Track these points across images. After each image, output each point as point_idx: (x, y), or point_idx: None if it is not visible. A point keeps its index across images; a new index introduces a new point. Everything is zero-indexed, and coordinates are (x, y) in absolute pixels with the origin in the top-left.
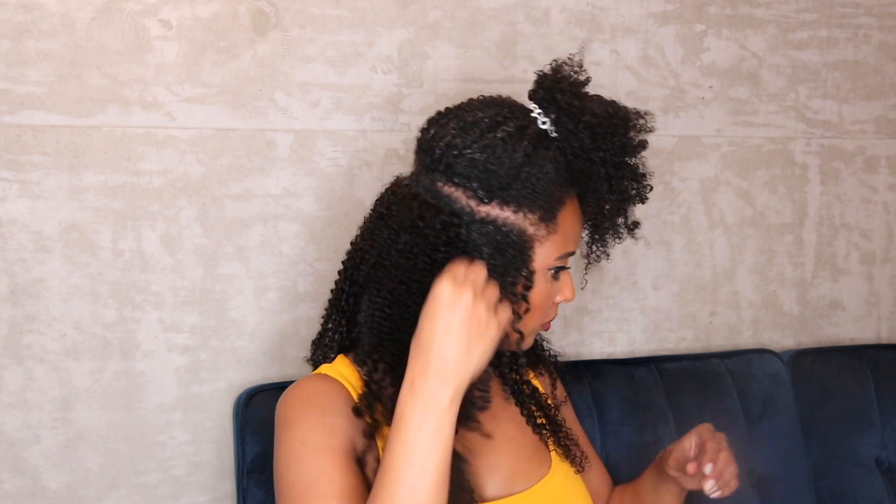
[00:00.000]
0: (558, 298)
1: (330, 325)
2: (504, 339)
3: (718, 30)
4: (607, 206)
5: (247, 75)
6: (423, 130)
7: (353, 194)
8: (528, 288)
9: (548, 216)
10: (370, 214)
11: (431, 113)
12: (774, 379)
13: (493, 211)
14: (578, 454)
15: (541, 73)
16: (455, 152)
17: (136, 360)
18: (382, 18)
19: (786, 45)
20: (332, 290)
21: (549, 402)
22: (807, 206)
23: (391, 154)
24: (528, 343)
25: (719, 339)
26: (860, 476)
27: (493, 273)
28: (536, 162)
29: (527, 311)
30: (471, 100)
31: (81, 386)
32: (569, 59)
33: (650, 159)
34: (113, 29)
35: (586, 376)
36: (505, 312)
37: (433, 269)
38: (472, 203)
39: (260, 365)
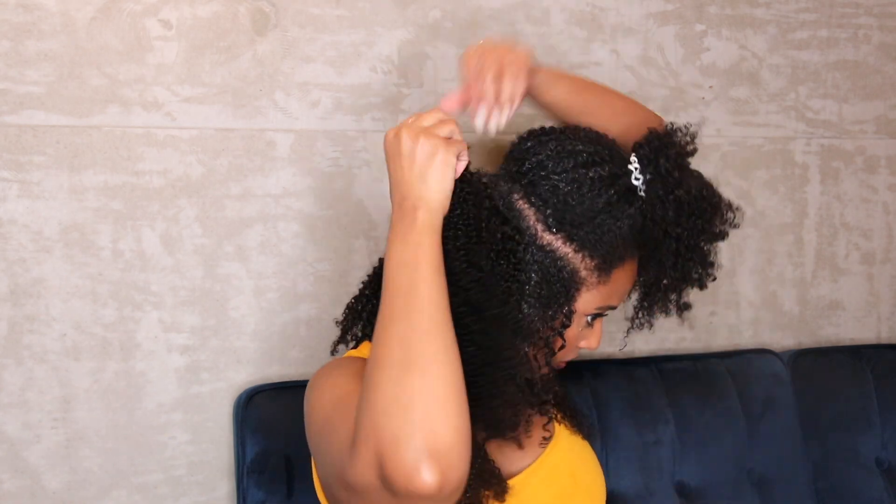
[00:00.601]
0: (583, 344)
1: (367, 292)
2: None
3: (718, 30)
4: (665, 281)
5: (247, 75)
6: (521, 139)
7: (353, 194)
8: (566, 326)
9: (605, 267)
10: None
11: None
12: (774, 379)
13: (556, 242)
14: (584, 422)
15: (653, 131)
16: (543, 173)
17: (136, 360)
18: (382, 18)
19: (786, 45)
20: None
21: (550, 374)
22: (807, 206)
23: None
24: (544, 374)
25: (719, 339)
26: (860, 476)
27: (536, 301)
28: (615, 214)
29: (561, 347)
30: (577, 128)
31: (81, 386)
32: (685, 126)
33: None
34: (113, 29)
35: (586, 376)
36: (455, 141)
37: (472, 272)
38: (539, 227)
39: (260, 365)
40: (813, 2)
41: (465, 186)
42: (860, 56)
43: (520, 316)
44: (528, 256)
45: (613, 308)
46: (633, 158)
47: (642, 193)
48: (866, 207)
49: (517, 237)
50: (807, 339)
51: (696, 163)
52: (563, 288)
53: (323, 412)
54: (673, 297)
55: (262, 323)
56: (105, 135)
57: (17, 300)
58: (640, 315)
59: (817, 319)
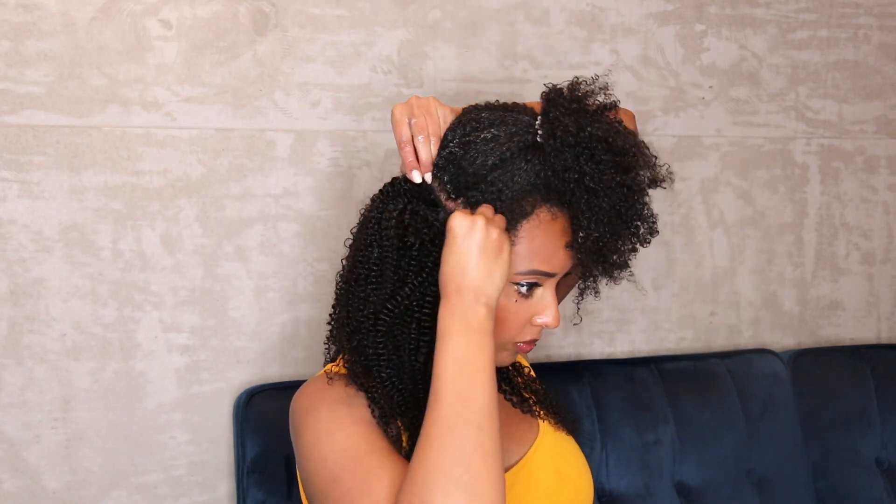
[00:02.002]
0: (537, 320)
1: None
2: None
3: (718, 30)
4: (594, 235)
5: (247, 75)
6: None
7: (353, 194)
8: None
9: (508, 224)
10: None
11: None
12: (774, 379)
13: (458, 209)
14: (567, 417)
15: (553, 86)
16: (444, 143)
17: (136, 360)
18: (382, 18)
19: (786, 45)
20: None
21: (532, 373)
22: (807, 206)
23: (391, 154)
24: (501, 359)
25: (719, 339)
26: (860, 476)
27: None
28: (508, 169)
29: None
30: (501, 102)
31: (81, 386)
32: (593, 77)
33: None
34: (113, 29)
35: (586, 376)
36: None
37: (401, 251)
38: (442, 196)
39: (260, 365)
40: (813, 2)
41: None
42: (860, 56)
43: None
44: (438, 225)
45: (546, 274)
46: (537, 121)
47: (547, 147)
48: (866, 207)
49: (429, 209)
50: (807, 339)
51: (696, 162)
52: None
53: (323, 467)
54: (612, 256)
55: (262, 323)
56: (105, 135)
57: (17, 300)
58: (585, 280)
59: (817, 319)
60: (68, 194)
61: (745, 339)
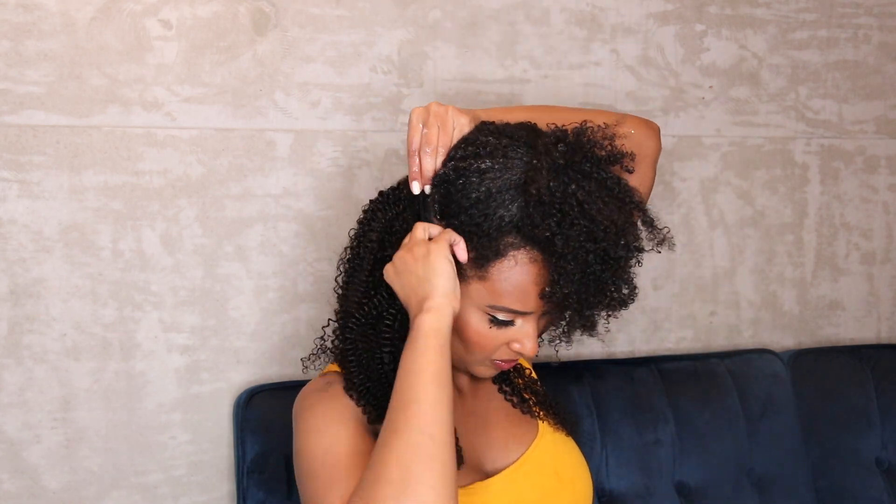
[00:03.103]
0: (515, 346)
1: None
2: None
3: (718, 30)
4: (548, 290)
5: (247, 75)
6: None
7: (353, 194)
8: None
9: (480, 259)
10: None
11: None
12: (774, 379)
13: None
14: (567, 418)
15: (559, 127)
16: (446, 160)
17: (136, 360)
18: (382, 18)
19: (786, 45)
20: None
21: (533, 374)
22: (807, 206)
23: (391, 154)
24: (479, 371)
25: (719, 339)
26: (860, 476)
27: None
28: (492, 205)
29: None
30: (512, 125)
31: (81, 386)
32: (602, 125)
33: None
34: (113, 29)
35: (586, 376)
36: (441, 238)
37: (377, 259)
38: (431, 216)
39: (260, 365)
40: (813, 2)
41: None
42: (860, 56)
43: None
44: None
45: (519, 313)
46: (535, 160)
47: (531, 189)
48: (866, 207)
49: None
50: (807, 339)
51: (696, 162)
52: None
53: (306, 462)
54: (580, 314)
55: (262, 323)
56: (105, 135)
57: (17, 300)
58: (559, 328)
59: (817, 319)
60: (68, 194)
61: (745, 339)
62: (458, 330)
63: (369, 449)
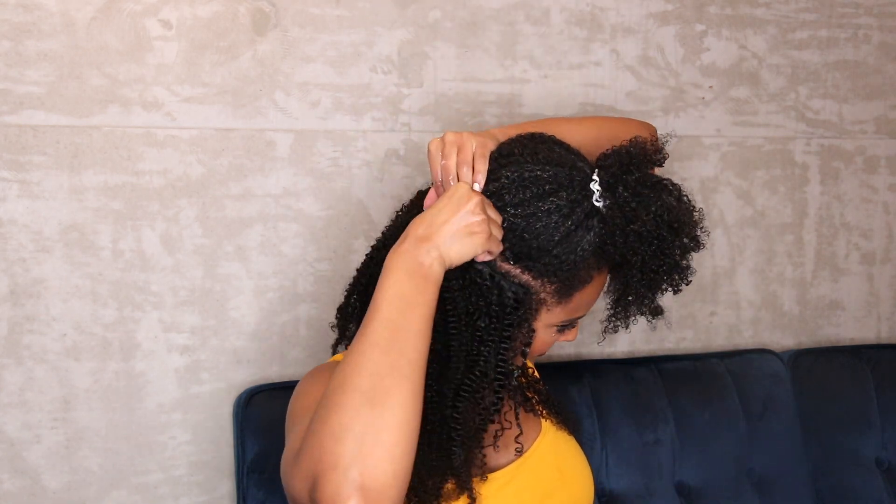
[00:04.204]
0: (561, 338)
1: (354, 297)
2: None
3: (718, 30)
4: (633, 293)
5: (247, 75)
6: (493, 155)
7: (353, 194)
8: (527, 344)
9: (565, 290)
10: (407, 204)
11: (431, 113)
12: (774, 379)
13: (514, 271)
14: (569, 417)
15: (617, 150)
16: (500, 204)
17: (136, 360)
18: (382, 18)
19: (786, 45)
20: (357, 269)
21: (536, 374)
22: (807, 206)
23: (391, 154)
24: (519, 362)
25: (719, 339)
26: (860, 476)
27: (495, 319)
28: (573, 243)
29: (525, 355)
30: (539, 143)
31: (81, 386)
32: (652, 140)
33: None
34: (113, 29)
35: (586, 376)
36: (496, 244)
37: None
38: (498, 257)
39: (260, 365)
40: (813, 2)
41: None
42: (860, 56)
43: (476, 344)
44: (489, 282)
45: (581, 317)
46: (595, 177)
47: (605, 213)
48: (866, 207)
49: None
50: (807, 339)
51: (696, 162)
52: (524, 310)
53: (290, 412)
54: (645, 302)
55: (262, 323)
56: (105, 135)
57: (17, 300)
58: (614, 319)
59: (817, 319)
60: (68, 194)
61: (745, 339)
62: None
63: None
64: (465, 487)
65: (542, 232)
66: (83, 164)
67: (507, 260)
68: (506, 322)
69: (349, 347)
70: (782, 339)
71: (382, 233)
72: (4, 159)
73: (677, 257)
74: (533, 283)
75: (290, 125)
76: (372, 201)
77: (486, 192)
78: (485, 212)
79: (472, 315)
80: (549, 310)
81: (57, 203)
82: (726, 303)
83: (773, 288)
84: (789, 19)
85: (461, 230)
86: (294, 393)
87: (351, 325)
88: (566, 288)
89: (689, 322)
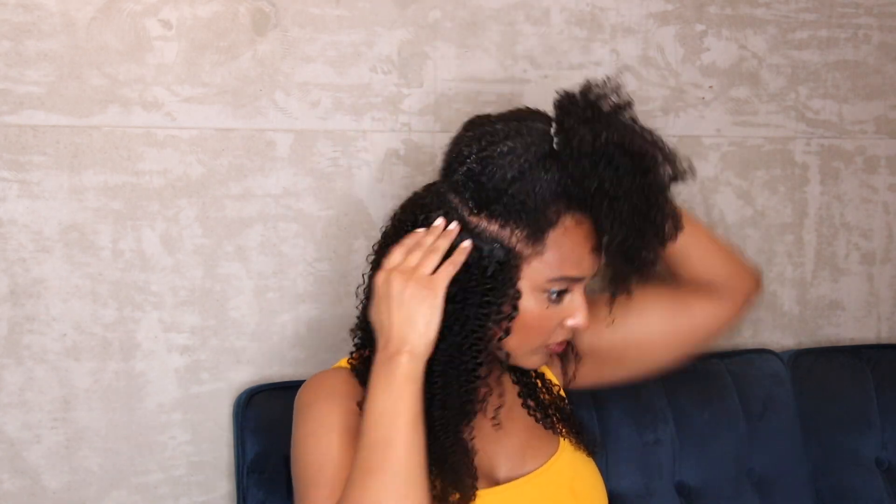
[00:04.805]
0: (569, 322)
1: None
2: (506, 355)
3: (718, 30)
4: (617, 238)
5: (247, 75)
6: (453, 137)
7: (353, 194)
8: (514, 307)
9: (535, 234)
10: (402, 206)
11: (431, 113)
12: (774, 379)
13: (482, 223)
14: (588, 439)
15: (567, 92)
16: (460, 160)
17: (136, 360)
18: (382, 18)
19: (786, 45)
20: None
21: (561, 392)
22: (807, 206)
23: (391, 154)
24: (532, 362)
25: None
26: (860, 476)
27: (480, 286)
28: (529, 179)
29: (508, 330)
30: (510, 110)
31: (81, 386)
32: (605, 79)
33: None
34: (113, 29)
35: None
36: (445, 271)
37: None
38: (465, 212)
39: (260, 365)
40: (813, 2)
41: (411, 198)
42: (860, 56)
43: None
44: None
45: (575, 280)
46: (552, 124)
47: (562, 154)
48: (866, 207)
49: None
50: (807, 339)
51: (696, 162)
52: (500, 267)
53: (300, 463)
54: (638, 255)
55: (262, 323)
56: (105, 135)
57: (17, 300)
58: (616, 281)
59: (817, 319)
60: (68, 194)
61: (745, 339)
62: (517, 323)
63: None
64: (464, 483)
65: (496, 172)
66: (83, 164)
67: (472, 212)
68: (486, 285)
69: (351, 475)
70: (782, 339)
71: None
72: (4, 159)
73: (638, 181)
74: (501, 232)
75: (290, 125)
76: (372, 201)
77: (449, 160)
78: (411, 274)
79: (458, 292)
80: (528, 264)
81: (57, 203)
82: None
83: (773, 288)
84: (789, 19)
85: (410, 307)
86: (298, 422)
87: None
88: (534, 231)
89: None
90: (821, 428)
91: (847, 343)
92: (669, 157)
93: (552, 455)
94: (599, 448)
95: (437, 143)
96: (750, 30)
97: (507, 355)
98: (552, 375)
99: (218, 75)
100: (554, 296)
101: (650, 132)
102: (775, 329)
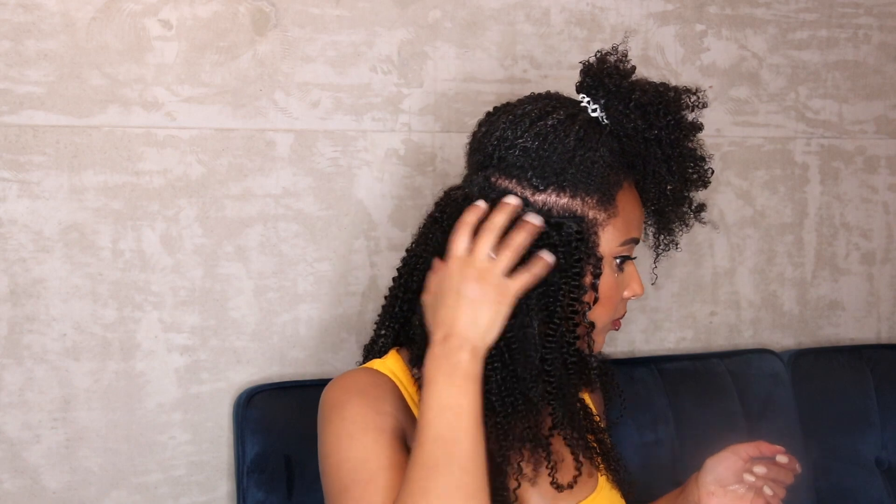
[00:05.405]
0: (626, 293)
1: (383, 332)
2: (577, 336)
3: (718, 30)
4: (669, 188)
5: (247, 75)
6: (474, 132)
7: (353, 194)
8: (597, 276)
9: (606, 199)
10: (424, 220)
11: (431, 113)
12: (774, 379)
13: (550, 199)
14: (627, 480)
15: (586, 63)
16: (507, 144)
17: (136, 360)
18: (382, 18)
19: (786, 45)
20: (385, 297)
21: (602, 423)
22: (807, 206)
23: (391, 154)
24: (600, 343)
25: (719, 339)
26: (860, 476)
27: (561, 268)
28: (589, 146)
29: (596, 300)
30: (520, 98)
31: (81, 386)
32: (612, 48)
33: None
34: (113, 29)
35: None
36: (522, 279)
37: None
38: (528, 193)
39: (260, 365)
40: (813, 2)
41: (446, 199)
42: (860, 56)
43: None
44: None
45: (636, 241)
46: (580, 97)
47: (605, 120)
48: (866, 207)
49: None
50: (807, 339)
51: None
52: (580, 239)
53: (335, 471)
54: (684, 205)
55: (262, 323)
56: (105, 135)
57: (17, 300)
58: (662, 238)
59: (817, 319)
60: (68, 194)
61: (745, 339)
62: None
63: (403, 461)
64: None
65: (556, 144)
66: (83, 164)
67: (536, 189)
68: (574, 258)
69: (410, 473)
70: (782, 339)
71: (407, 250)
72: (4, 159)
73: (674, 130)
74: (573, 203)
75: (290, 125)
76: (372, 201)
77: (491, 147)
78: (490, 270)
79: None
80: (603, 228)
81: (57, 203)
82: (726, 303)
83: (773, 288)
84: (789, 19)
85: (478, 310)
86: (329, 429)
87: (387, 330)
88: (606, 195)
89: (689, 322)
90: (821, 428)
91: (847, 343)
92: (692, 102)
93: (590, 494)
94: (634, 488)
95: (437, 143)
96: (750, 30)
97: (589, 332)
98: (591, 404)
99: (218, 75)
100: (619, 263)
101: (664, 84)
102: (775, 329)
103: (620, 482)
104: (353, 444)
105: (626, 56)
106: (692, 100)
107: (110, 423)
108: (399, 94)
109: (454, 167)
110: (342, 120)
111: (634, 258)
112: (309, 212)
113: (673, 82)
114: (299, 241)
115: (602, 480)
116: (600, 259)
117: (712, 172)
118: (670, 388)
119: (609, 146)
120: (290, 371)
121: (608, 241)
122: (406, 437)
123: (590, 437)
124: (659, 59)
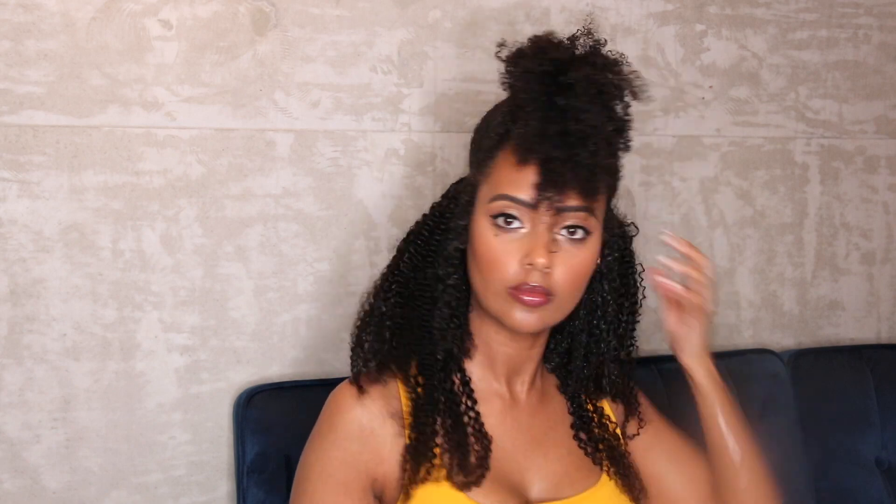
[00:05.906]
0: (526, 261)
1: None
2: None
3: (718, 30)
4: (519, 126)
5: (247, 75)
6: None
7: (353, 194)
8: (463, 227)
9: (484, 161)
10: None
11: (431, 113)
12: (774, 379)
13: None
14: (637, 488)
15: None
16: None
17: (136, 360)
18: (382, 18)
19: (786, 45)
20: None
21: (616, 430)
22: (807, 206)
23: (391, 154)
24: (506, 315)
25: (719, 339)
26: (860, 476)
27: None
28: (485, 124)
29: (464, 250)
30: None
31: (81, 386)
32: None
33: (651, 159)
34: (113, 29)
35: None
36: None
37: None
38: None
39: (260, 365)
40: (813, 2)
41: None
42: (860, 56)
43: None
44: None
45: (508, 198)
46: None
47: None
48: (866, 207)
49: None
50: (807, 339)
51: (696, 162)
52: (454, 196)
53: (298, 477)
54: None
55: (262, 323)
56: (105, 135)
57: (17, 300)
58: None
59: (817, 319)
60: (68, 194)
61: (745, 339)
62: (471, 251)
63: None
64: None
65: (476, 133)
66: (83, 164)
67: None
68: (447, 214)
69: None
70: (782, 339)
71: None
72: (4, 159)
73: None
74: (469, 173)
75: (290, 125)
76: (372, 201)
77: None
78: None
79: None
80: (479, 189)
81: (57, 203)
82: (726, 303)
83: (773, 288)
84: (789, 19)
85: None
86: (315, 434)
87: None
88: (484, 158)
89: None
90: (821, 428)
91: (847, 343)
92: (603, 62)
93: (590, 487)
94: (644, 496)
95: (437, 143)
96: (750, 30)
97: (481, 298)
98: (611, 412)
99: (218, 75)
100: (499, 221)
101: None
102: (775, 329)
103: (630, 487)
104: (308, 490)
105: (563, 41)
106: (611, 73)
107: (110, 423)
108: (399, 94)
109: (454, 167)
110: (342, 120)
111: (517, 220)
112: (309, 212)
113: (673, 82)
114: (299, 241)
115: (604, 478)
116: (467, 212)
117: (624, 133)
118: (670, 388)
119: (502, 122)
120: (290, 371)
121: (481, 199)
122: (372, 477)
123: (599, 431)
124: (659, 59)
